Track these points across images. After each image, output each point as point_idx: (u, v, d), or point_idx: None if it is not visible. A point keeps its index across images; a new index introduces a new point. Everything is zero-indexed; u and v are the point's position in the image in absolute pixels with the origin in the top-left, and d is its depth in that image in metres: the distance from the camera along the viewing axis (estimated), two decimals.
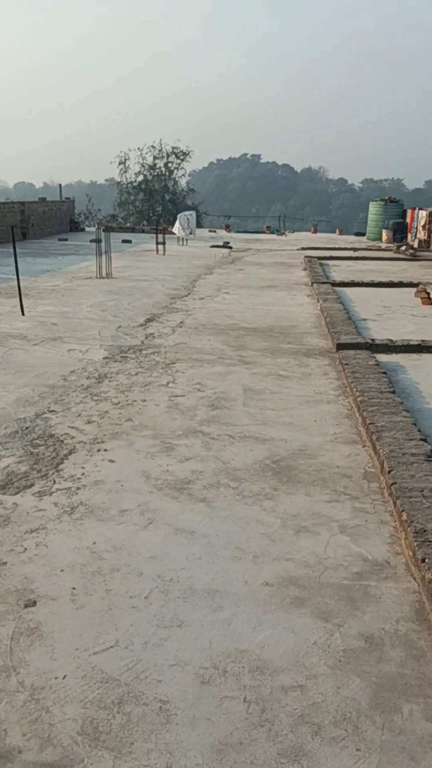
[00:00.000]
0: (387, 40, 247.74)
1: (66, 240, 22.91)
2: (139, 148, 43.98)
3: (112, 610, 2.85)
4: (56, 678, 2.44)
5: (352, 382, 5.99)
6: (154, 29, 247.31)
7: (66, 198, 29.57)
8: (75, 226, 27.58)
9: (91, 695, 2.36)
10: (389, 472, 4.07)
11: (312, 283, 12.56)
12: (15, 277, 9.83)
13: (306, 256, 17.42)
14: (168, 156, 44.37)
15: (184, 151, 44.58)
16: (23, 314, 9.24)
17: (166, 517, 3.67)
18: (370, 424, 4.89)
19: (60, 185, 32.42)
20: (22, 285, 9.97)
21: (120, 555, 3.28)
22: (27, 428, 4.93)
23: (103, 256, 13.70)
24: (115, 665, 2.52)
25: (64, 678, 2.44)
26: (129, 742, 2.17)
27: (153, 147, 44.01)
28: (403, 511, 3.58)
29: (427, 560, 3.09)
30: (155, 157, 44.28)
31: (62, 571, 3.13)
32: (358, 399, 5.48)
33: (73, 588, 2.99)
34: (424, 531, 3.35)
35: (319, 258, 17.33)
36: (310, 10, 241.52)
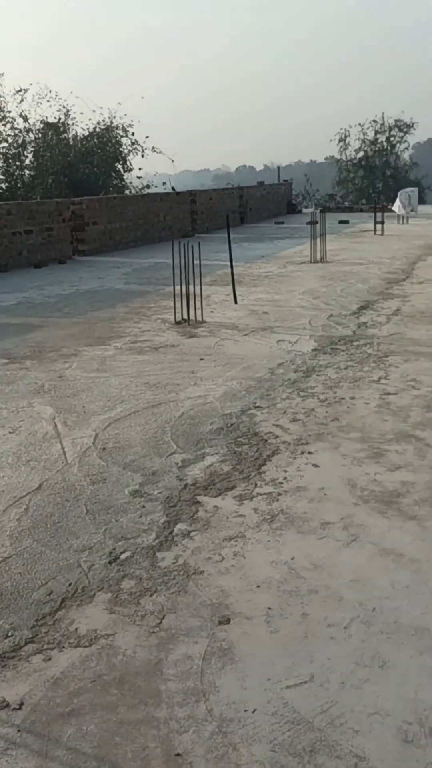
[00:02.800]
0: None
1: (282, 223, 22.98)
2: (360, 124, 42.78)
3: (308, 638, 2.67)
4: (246, 711, 2.32)
5: None
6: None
7: (284, 180, 29.66)
8: (292, 208, 27.59)
9: (281, 737, 2.20)
10: None
11: None
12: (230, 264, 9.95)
13: None
14: (390, 129, 42.65)
15: (407, 123, 42.60)
16: (236, 302, 9.32)
17: (371, 535, 3.39)
18: None
19: (278, 167, 32.61)
20: (236, 271, 10.08)
21: (319, 574, 3.08)
22: (232, 425, 4.89)
23: (318, 239, 13.45)
24: (309, 704, 2.33)
25: (254, 712, 2.31)
26: None
27: (375, 121, 42.56)
28: None
29: None
30: (377, 132, 42.80)
31: (258, 587, 3.00)
32: None
33: (269, 608, 2.85)
34: None
35: None
36: None
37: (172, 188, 23.32)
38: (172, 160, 33.10)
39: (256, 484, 3.97)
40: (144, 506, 3.74)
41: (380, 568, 3.12)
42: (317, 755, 2.13)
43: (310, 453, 4.39)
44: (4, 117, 25.47)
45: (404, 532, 3.42)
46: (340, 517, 3.58)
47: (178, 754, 2.15)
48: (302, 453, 4.39)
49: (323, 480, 4.01)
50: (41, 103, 27.65)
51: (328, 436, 4.67)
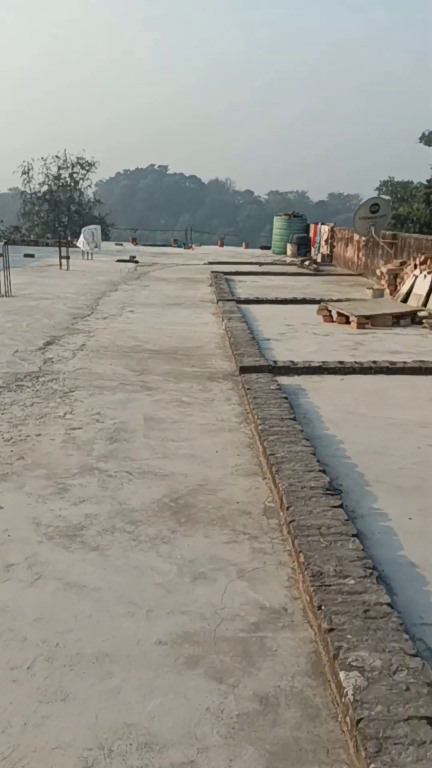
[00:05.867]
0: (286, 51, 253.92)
1: None
2: (43, 158, 43.25)
3: None
4: None
5: (253, 408, 5.94)
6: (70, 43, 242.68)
7: None
8: None
9: None
10: (288, 508, 4.02)
11: (217, 301, 12.56)
12: None
13: (212, 272, 17.46)
14: (73, 166, 43.81)
15: (89, 161, 44.16)
16: None
17: (55, 571, 3.46)
18: (270, 455, 4.83)
19: None
20: None
21: (2, 618, 3.05)
22: None
23: (3, 273, 13.24)
24: None
25: None
26: None
27: (57, 157, 43.37)
28: (300, 552, 3.52)
29: (323, 607, 3.03)
30: (60, 167, 43.63)
31: None
32: (259, 427, 5.43)
33: None
34: (321, 574, 3.29)
35: (225, 273, 17.41)
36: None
37: None
38: None
39: None
40: None
41: (64, 602, 3.20)
42: None
43: None
44: None
45: (87, 563, 3.55)
46: (25, 557, 3.58)
47: None
48: None
49: (7, 521, 3.98)
50: None
51: (13, 475, 4.64)
